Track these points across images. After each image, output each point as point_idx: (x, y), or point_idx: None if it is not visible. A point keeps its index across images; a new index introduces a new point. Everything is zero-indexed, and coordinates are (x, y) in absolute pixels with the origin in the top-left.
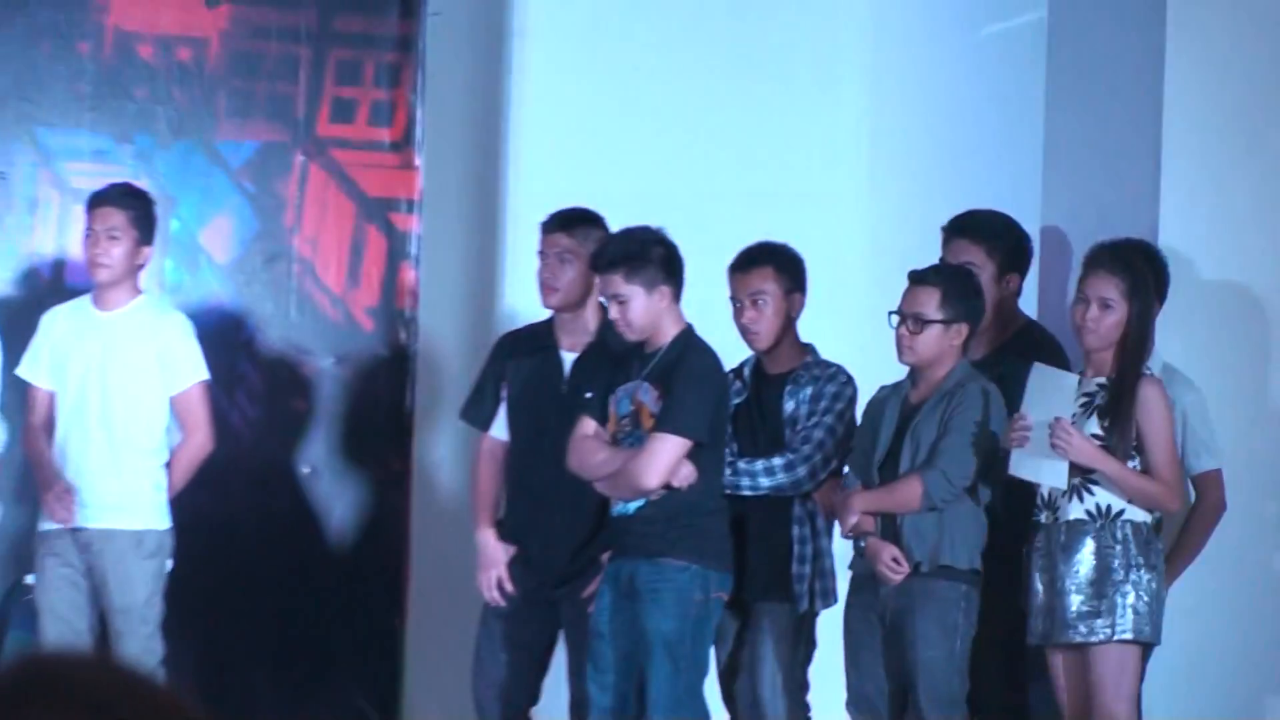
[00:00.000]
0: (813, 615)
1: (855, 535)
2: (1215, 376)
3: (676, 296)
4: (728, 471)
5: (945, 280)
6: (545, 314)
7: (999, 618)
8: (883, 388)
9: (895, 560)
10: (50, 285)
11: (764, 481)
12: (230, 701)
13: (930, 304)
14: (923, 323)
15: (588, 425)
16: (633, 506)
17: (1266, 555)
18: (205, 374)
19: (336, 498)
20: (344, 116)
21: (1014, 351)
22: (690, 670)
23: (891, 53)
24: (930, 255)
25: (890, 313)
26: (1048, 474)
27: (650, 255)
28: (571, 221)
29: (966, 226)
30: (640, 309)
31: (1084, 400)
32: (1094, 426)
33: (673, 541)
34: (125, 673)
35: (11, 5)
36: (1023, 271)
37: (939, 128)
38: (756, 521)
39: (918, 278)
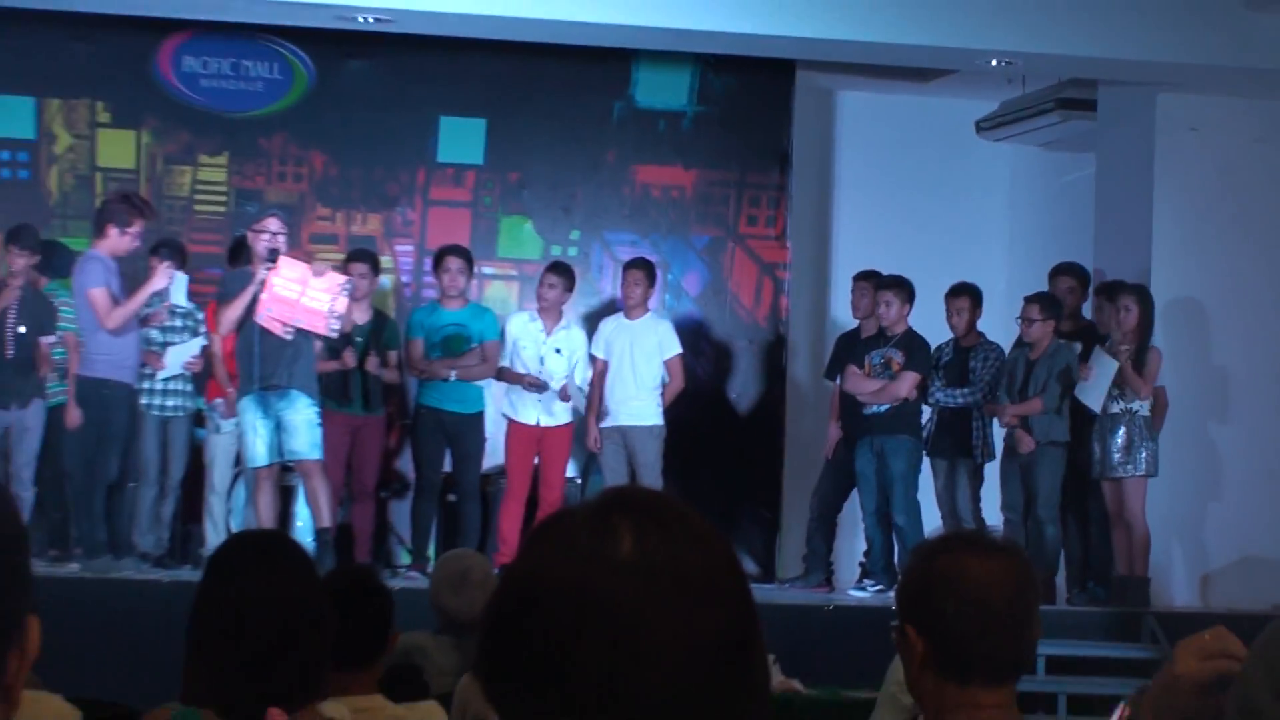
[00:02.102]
0: (982, 465)
1: (1007, 426)
2: (1177, 348)
3: (910, 312)
4: (941, 395)
5: (1042, 299)
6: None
7: (1074, 467)
8: (1009, 351)
9: (1027, 439)
10: (607, 307)
11: (960, 400)
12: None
13: (1036, 311)
14: (1033, 321)
15: (854, 369)
16: (883, 408)
17: (1199, 428)
18: (680, 349)
19: (750, 406)
20: (752, 223)
21: (1084, 332)
22: (914, 489)
23: (1019, 190)
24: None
25: (1016, 318)
26: (1093, 399)
27: (909, 287)
28: (869, 275)
29: (1066, 269)
30: (897, 310)
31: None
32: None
33: (903, 427)
34: (662, 494)
35: (589, 171)
36: (1087, 291)
37: (1045, 226)
38: (952, 419)
39: (1030, 299)
